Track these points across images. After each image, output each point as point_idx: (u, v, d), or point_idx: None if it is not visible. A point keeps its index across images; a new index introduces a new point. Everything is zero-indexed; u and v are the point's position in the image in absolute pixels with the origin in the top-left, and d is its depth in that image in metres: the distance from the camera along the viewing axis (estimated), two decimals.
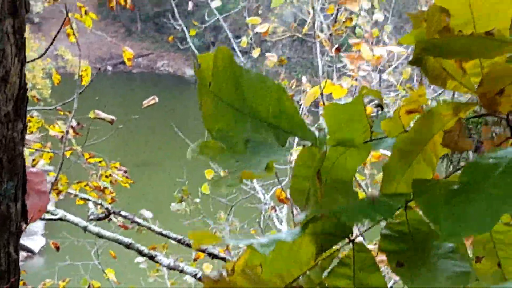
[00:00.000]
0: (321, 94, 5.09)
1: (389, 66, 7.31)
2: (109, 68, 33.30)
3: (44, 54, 4.15)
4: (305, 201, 0.90)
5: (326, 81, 5.17)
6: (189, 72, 33.65)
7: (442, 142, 0.88)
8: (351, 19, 7.30)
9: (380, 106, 0.90)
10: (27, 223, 1.18)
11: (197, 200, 8.66)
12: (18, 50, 1.18)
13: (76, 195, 6.12)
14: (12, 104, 1.16)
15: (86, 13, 6.65)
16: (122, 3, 6.84)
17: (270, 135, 0.87)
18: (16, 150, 1.16)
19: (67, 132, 5.32)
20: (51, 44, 3.49)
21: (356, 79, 6.01)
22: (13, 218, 1.17)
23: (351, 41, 5.69)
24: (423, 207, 0.81)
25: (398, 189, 0.90)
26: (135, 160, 20.23)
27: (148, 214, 6.83)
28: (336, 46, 6.32)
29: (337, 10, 7.25)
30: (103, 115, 5.95)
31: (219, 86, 0.87)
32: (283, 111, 0.87)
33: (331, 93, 5.26)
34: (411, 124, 0.91)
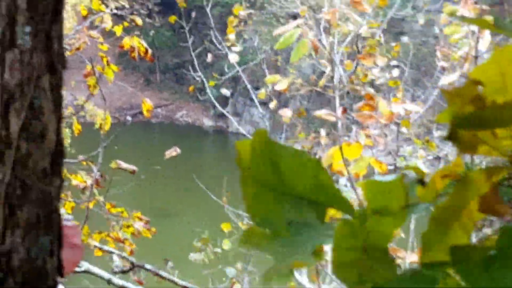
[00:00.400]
0: (341, 154, 5.10)
1: (408, 118, 7.32)
2: (129, 118, 33.52)
3: (81, 109, 4.23)
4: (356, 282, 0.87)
5: (341, 146, 5.19)
6: (208, 122, 33.78)
7: (479, 208, 0.89)
8: (366, 75, 7.34)
9: (421, 181, 0.91)
10: (62, 277, 1.20)
11: (218, 249, 8.62)
12: (55, 107, 1.19)
13: (96, 247, 6.12)
14: (49, 160, 1.17)
15: (108, 63, 6.72)
16: (142, 54, 6.91)
17: (310, 212, 0.88)
18: (52, 205, 1.18)
19: (92, 185, 5.37)
20: (86, 101, 3.56)
21: (370, 135, 6.00)
22: (49, 272, 1.18)
23: (356, 105, 5.73)
24: (462, 275, 0.82)
25: (436, 257, 0.90)
26: (155, 209, 20.20)
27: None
28: (343, 107, 6.35)
29: (356, 64, 7.30)
30: (124, 165, 5.99)
31: (258, 170, 0.88)
32: (320, 184, 0.87)
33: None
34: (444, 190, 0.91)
